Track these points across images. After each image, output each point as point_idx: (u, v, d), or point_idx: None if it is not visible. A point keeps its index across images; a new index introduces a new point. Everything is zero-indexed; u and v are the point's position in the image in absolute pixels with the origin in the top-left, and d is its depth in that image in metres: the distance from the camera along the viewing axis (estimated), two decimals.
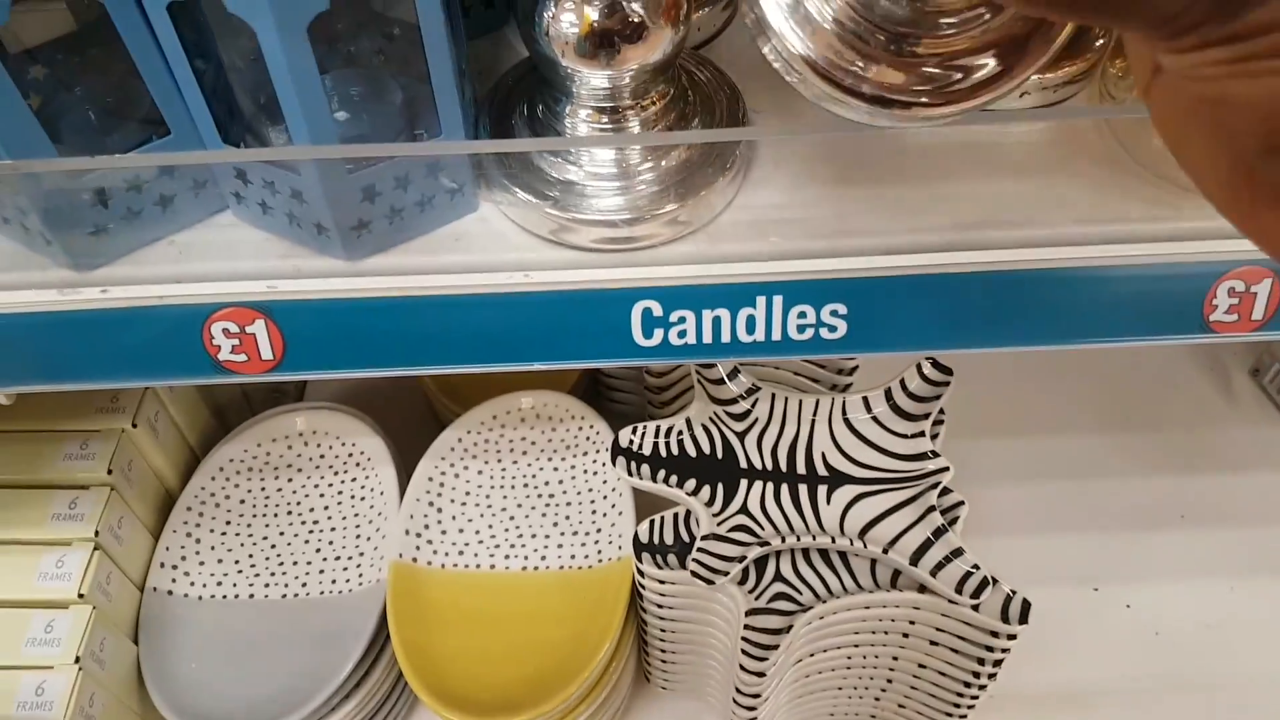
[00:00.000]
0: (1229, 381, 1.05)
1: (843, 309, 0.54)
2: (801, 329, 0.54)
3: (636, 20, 0.48)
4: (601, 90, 0.52)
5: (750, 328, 0.54)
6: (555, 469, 0.79)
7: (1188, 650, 0.86)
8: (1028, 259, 0.52)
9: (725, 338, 0.54)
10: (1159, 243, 0.52)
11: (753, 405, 0.71)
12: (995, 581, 0.63)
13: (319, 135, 0.47)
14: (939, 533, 0.64)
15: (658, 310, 0.53)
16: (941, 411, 0.71)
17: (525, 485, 0.79)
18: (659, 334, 0.54)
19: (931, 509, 0.65)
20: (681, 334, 0.54)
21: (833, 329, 0.54)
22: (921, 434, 0.69)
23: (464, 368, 0.55)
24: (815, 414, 0.71)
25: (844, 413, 0.71)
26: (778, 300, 0.53)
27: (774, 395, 0.71)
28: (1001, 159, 0.58)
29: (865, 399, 0.71)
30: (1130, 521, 0.94)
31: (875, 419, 0.71)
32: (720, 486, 0.68)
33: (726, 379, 0.71)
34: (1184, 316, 0.53)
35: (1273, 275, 0.52)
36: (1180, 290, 0.53)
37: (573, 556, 0.75)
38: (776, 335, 0.54)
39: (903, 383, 0.71)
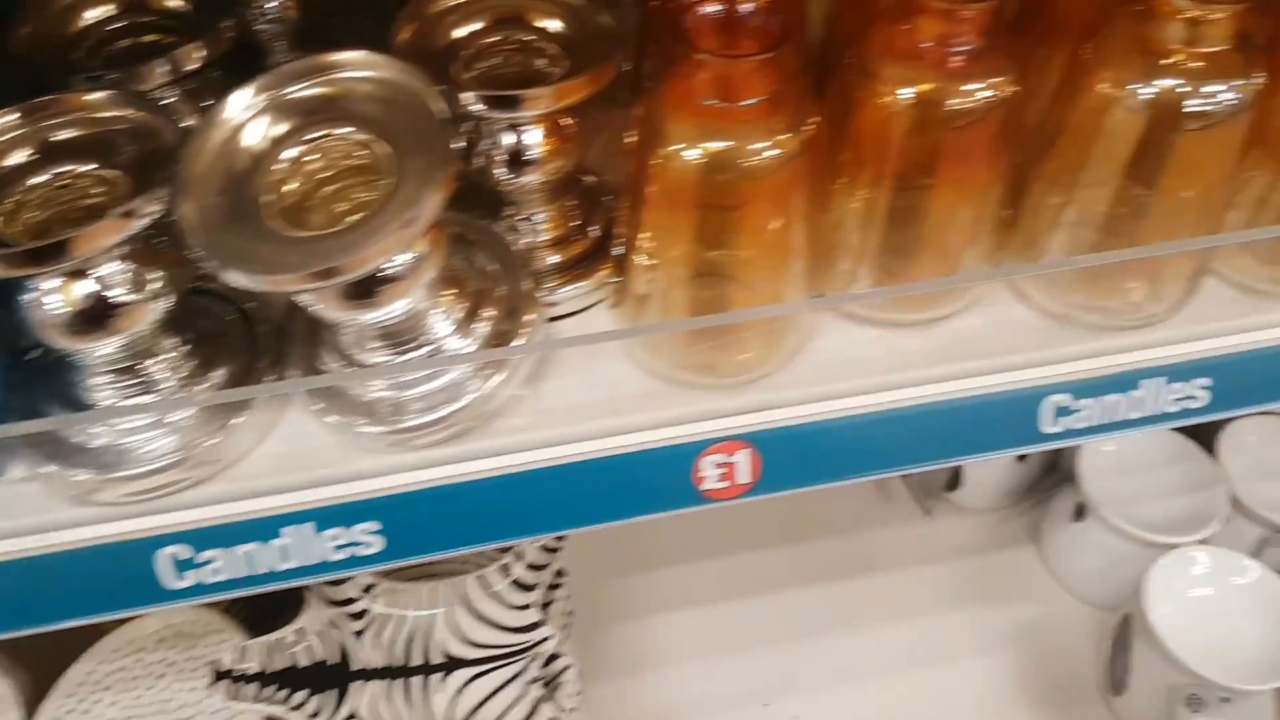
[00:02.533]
0: (885, 481, 1.15)
1: (377, 525, 0.57)
2: (339, 548, 0.58)
3: (113, 299, 0.51)
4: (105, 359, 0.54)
5: (285, 555, 0.57)
6: (192, 690, 0.78)
7: None
8: (540, 459, 0.57)
9: (261, 569, 0.57)
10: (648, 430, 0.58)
11: (371, 603, 0.73)
12: None
13: None
14: (537, 706, 0.67)
15: (185, 553, 0.55)
16: (560, 573, 0.75)
17: (162, 713, 0.78)
18: (191, 575, 0.56)
19: (534, 681, 0.68)
20: (216, 571, 0.56)
21: (368, 545, 0.58)
22: (530, 606, 0.72)
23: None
24: (438, 601, 0.74)
25: (465, 595, 0.74)
26: (308, 527, 0.57)
27: (394, 589, 0.73)
28: None
29: (484, 577, 0.74)
30: (797, 632, 1.00)
31: (495, 595, 0.74)
32: (332, 693, 0.69)
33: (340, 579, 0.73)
34: (679, 490, 0.59)
35: (749, 446, 0.59)
36: (668, 469, 0.59)
37: None
38: (314, 559, 0.57)
39: (519, 554, 0.74)
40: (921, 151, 0.55)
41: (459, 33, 0.58)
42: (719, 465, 0.59)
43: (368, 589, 0.73)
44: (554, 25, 0.58)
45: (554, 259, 0.64)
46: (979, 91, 0.53)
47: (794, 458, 0.60)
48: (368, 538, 0.58)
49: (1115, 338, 0.63)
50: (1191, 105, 0.53)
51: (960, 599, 1.03)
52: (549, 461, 0.57)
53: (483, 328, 0.57)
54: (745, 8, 0.50)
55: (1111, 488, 0.95)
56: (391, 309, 0.52)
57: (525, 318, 0.57)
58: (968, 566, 1.05)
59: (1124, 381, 0.63)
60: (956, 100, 0.53)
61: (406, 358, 0.55)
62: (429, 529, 0.58)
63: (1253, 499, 0.95)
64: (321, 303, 0.51)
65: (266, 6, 0.68)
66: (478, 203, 0.63)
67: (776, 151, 0.51)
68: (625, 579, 0.81)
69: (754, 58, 0.48)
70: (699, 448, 0.59)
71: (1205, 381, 0.64)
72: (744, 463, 0.60)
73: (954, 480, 1.04)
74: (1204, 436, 0.99)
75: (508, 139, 0.58)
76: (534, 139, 0.58)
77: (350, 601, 0.73)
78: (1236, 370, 0.64)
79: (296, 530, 0.57)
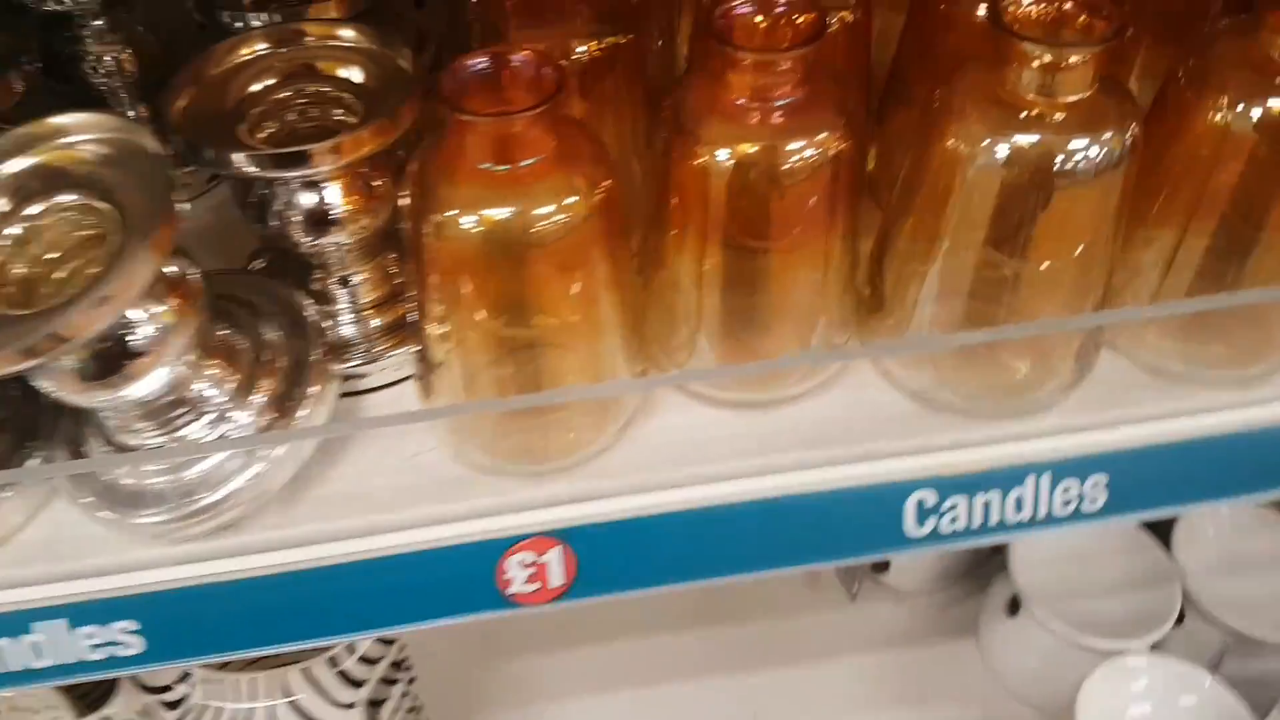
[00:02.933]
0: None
1: (135, 625, 0.51)
2: (95, 647, 0.52)
3: None
4: None
5: (38, 653, 0.51)
6: None
7: None
8: (318, 556, 0.51)
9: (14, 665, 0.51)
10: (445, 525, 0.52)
11: (189, 691, 0.67)
12: None
13: None
14: None
15: None
16: (400, 665, 0.69)
17: None
18: None
19: None
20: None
21: (127, 645, 0.52)
22: (355, 705, 0.66)
23: None
24: (259, 693, 0.67)
25: (287, 687, 0.68)
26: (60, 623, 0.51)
27: (211, 679, 0.67)
28: None
29: (308, 669, 0.68)
30: None
31: (320, 689, 0.68)
32: None
33: None
34: (481, 593, 0.52)
35: (560, 544, 0.52)
36: (468, 569, 0.52)
37: None
38: (70, 658, 0.52)
39: (350, 645, 0.68)
40: (746, 213, 0.49)
41: (249, 91, 0.53)
42: (527, 565, 0.52)
43: (184, 676, 0.67)
44: (354, 74, 0.53)
45: (368, 325, 0.58)
46: (804, 149, 0.47)
47: (615, 558, 0.53)
48: (126, 637, 0.52)
49: (992, 426, 0.56)
50: (1053, 161, 0.47)
51: (892, 696, 0.94)
52: (328, 559, 0.51)
53: (260, 405, 0.51)
54: (516, 59, 0.44)
55: (1049, 579, 0.86)
56: (134, 388, 0.46)
57: (312, 391, 0.51)
58: (901, 659, 0.96)
59: (1002, 477, 0.55)
60: (777, 159, 0.47)
61: (156, 441, 0.49)
62: (192, 630, 0.52)
63: (1211, 599, 0.85)
64: (52, 384, 0.46)
65: (104, 60, 0.65)
66: (287, 268, 0.58)
67: (560, 217, 0.45)
68: (510, 663, 0.74)
69: (523, 114, 0.42)
70: (504, 545, 0.52)
71: (1101, 478, 0.56)
72: (556, 563, 0.53)
73: (882, 560, 0.96)
74: (1158, 524, 0.90)
75: (302, 198, 0.53)
76: (328, 197, 0.53)
77: (166, 689, 0.67)
78: (1141, 465, 0.56)
79: (48, 626, 0.51)
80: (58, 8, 0.62)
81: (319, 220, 0.53)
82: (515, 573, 0.52)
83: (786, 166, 0.47)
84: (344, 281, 0.57)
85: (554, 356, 0.51)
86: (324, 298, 0.57)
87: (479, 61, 0.44)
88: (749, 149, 0.47)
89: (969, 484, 0.55)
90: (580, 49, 0.55)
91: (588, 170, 0.46)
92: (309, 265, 0.56)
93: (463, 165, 0.44)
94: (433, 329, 0.49)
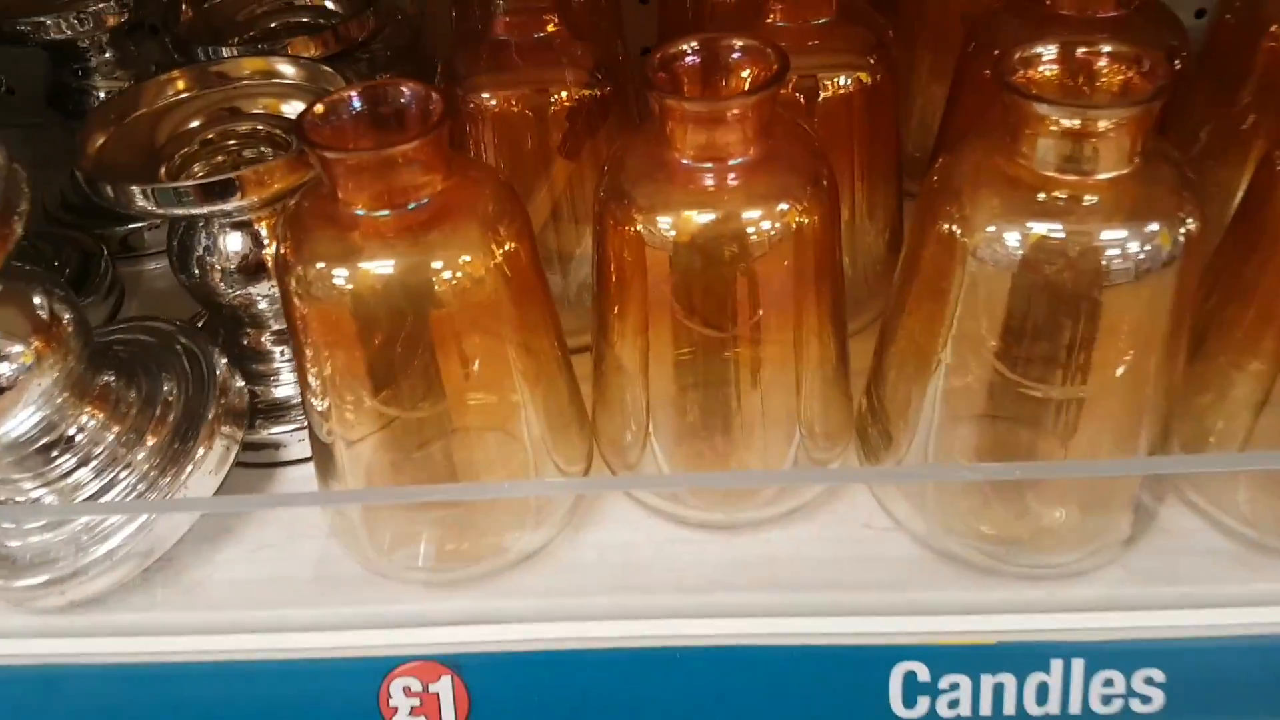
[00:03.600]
0: None
1: None
2: None
3: None
4: None
5: None
6: None
7: None
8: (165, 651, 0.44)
9: None
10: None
11: None
12: None
13: None
14: None
15: None
16: None
17: None
18: None
19: None
20: None
21: None
22: None
23: None
24: None
25: None
26: None
27: None
28: None
29: None
30: None
31: None
32: None
33: None
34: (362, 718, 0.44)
35: (450, 672, 0.43)
36: (347, 690, 0.44)
37: None
38: None
39: None
40: (691, 293, 0.40)
41: (179, 130, 0.49)
42: (411, 694, 0.44)
43: None
44: (296, 109, 0.48)
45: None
46: (760, 219, 0.38)
47: (517, 699, 0.44)
48: None
49: (1012, 587, 0.44)
50: (1078, 256, 0.36)
51: None
52: (190, 655, 0.44)
53: (139, 466, 0.45)
54: (400, 90, 0.37)
55: None
56: None
57: (200, 454, 0.45)
58: None
59: (1019, 656, 0.43)
60: (725, 229, 0.38)
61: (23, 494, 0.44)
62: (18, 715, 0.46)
63: None
64: None
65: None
66: (221, 324, 0.53)
67: (449, 274, 0.37)
68: None
69: (404, 147, 0.36)
70: (387, 666, 0.44)
71: (1154, 674, 0.43)
72: (446, 694, 0.44)
73: None
74: None
75: (220, 242, 0.47)
76: (244, 240, 0.47)
77: None
78: (1214, 663, 0.43)
79: None
80: (59, 37, 0.60)
81: (239, 268, 0.48)
82: (400, 700, 0.44)
83: (737, 238, 0.38)
84: (278, 337, 0.52)
85: (459, 445, 0.43)
86: (258, 355, 0.52)
87: (352, 95, 0.37)
88: (694, 217, 0.38)
89: (975, 659, 0.43)
90: (554, 98, 0.49)
91: (492, 218, 0.38)
92: (239, 320, 0.51)
93: (336, 209, 0.38)
94: (314, 403, 0.42)
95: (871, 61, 0.47)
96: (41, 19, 0.60)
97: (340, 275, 0.38)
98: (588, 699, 0.44)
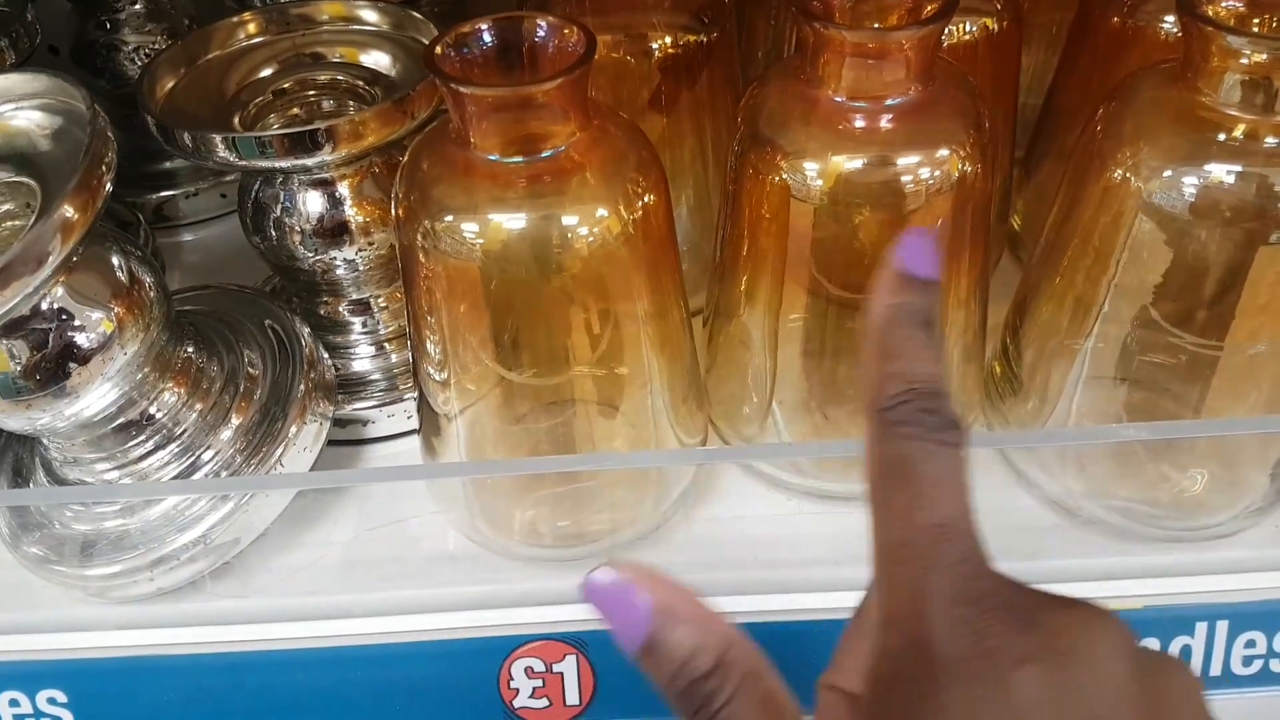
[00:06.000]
0: None
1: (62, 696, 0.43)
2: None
3: None
4: None
5: None
6: None
7: None
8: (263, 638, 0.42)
9: None
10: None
11: None
12: None
13: None
14: None
15: None
16: None
17: None
18: None
19: None
20: None
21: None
22: None
23: None
24: None
25: None
26: None
27: None
28: None
29: None
30: None
31: None
32: None
33: None
34: (480, 704, 0.42)
35: (576, 651, 0.41)
36: (462, 672, 0.41)
37: None
38: None
39: None
40: (839, 251, 0.38)
41: (252, 79, 0.45)
42: (534, 674, 0.42)
43: None
44: (378, 61, 0.45)
45: (389, 360, 0.49)
46: (919, 166, 0.36)
47: (640, 676, 0.42)
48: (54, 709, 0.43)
49: (1153, 552, 0.42)
50: (1262, 202, 0.34)
51: None
52: (289, 641, 0.41)
53: (224, 448, 0.42)
54: (536, 24, 0.34)
55: None
56: (65, 404, 0.38)
57: (292, 433, 0.42)
58: None
59: (1164, 620, 0.42)
60: (882, 176, 0.36)
61: (96, 478, 0.41)
62: (123, 709, 0.42)
63: None
64: None
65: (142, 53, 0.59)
66: (297, 291, 0.50)
67: (585, 230, 0.35)
68: None
69: (545, 85, 0.33)
70: (509, 646, 0.42)
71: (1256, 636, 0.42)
72: (570, 673, 0.42)
73: None
74: None
75: (300, 201, 0.44)
76: (330, 199, 0.44)
77: None
78: None
79: None
80: None
81: (320, 229, 0.45)
82: (521, 682, 0.42)
83: (895, 187, 0.36)
84: (359, 307, 0.49)
85: (580, 416, 0.41)
86: (335, 326, 0.49)
87: (483, 27, 0.34)
88: (845, 163, 0.36)
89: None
90: (655, 44, 0.46)
91: (630, 173, 0.36)
92: (316, 287, 0.48)
93: (466, 156, 0.35)
94: (430, 372, 0.39)
95: (998, 6, 0.45)
96: None
97: (468, 229, 0.35)
98: None
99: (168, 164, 0.64)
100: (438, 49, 0.34)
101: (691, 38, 0.46)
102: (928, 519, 0.21)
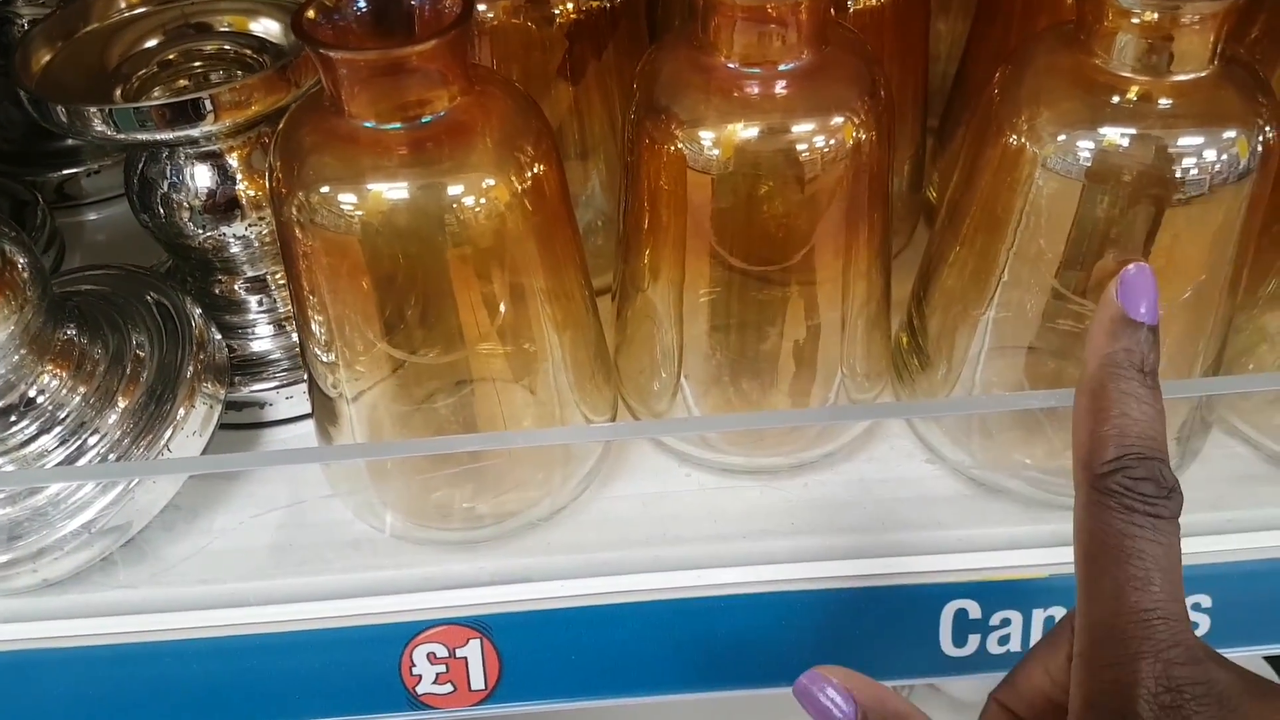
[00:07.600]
0: None
1: None
2: None
3: None
4: None
5: None
6: None
7: None
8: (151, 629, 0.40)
9: None
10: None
11: None
12: None
13: None
14: None
15: None
16: None
17: None
18: None
19: None
20: None
21: None
22: None
23: None
24: None
25: None
26: None
27: None
28: None
29: None
30: None
31: None
32: None
33: None
34: (383, 690, 0.41)
35: (479, 635, 0.40)
36: (363, 659, 0.40)
37: None
38: None
39: None
40: (737, 222, 0.37)
41: (130, 49, 0.43)
42: (436, 660, 0.41)
43: None
44: (270, 29, 0.43)
45: (289, 340, 0.47)
46: (814, 134, 0.35)
47: (553, 658, 0.41)
48: None
49: (1060, 520, 0.42)
50: (1155, 164, 0.34)
51: None
52: (181, 631, 0.40)
53: (109, 431, 0.40)
54: None
55: None
56: None
57: (180, 415, 0.41)
58: None
59: (1071, 588, 0.42)
60: (778, 144, 0.35)
61: None
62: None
63: None
64: None
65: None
66: (190, 271, 0.48)
67: (471, 200, 0.34)
68: None
69: (419, 47, 0.31)
70: (409, 632, 0.41)
71: (1201, 599, 0.42)
72: (475, 658, 0.41)
73: None
74: None
75: (185, 174, 0.42)
76: (212, 171, 0.42)
77: None
78: (1257, 587, 0.42)
79: None
80: None
81: (209, 204, 0.43)
82: (424, 668, 0.41)
83: (790, 155, 0.35)
84: (255, 285, 0.47)
85: (480, 396, 0.40)
86: (231, 305, 0.47)
87: None
88: (739, 131, 0.35)
89: (1025, 593, 0.42)
90: (558, 9, 0.44)
91: (517, 140, 0.34)
92: (210, 265, 0.46)
93: (340, 124, 0.33)
94: (317, 353, 0.38)
95: None
96: None
97: (348, 199, 0.34)
98: (627, 654, 0.41)
99: (69, 141, 0.62)
100: (309, 13, 0.32)
101: (595, 3, 0.45)
102: (1138, 603, 0.20)
